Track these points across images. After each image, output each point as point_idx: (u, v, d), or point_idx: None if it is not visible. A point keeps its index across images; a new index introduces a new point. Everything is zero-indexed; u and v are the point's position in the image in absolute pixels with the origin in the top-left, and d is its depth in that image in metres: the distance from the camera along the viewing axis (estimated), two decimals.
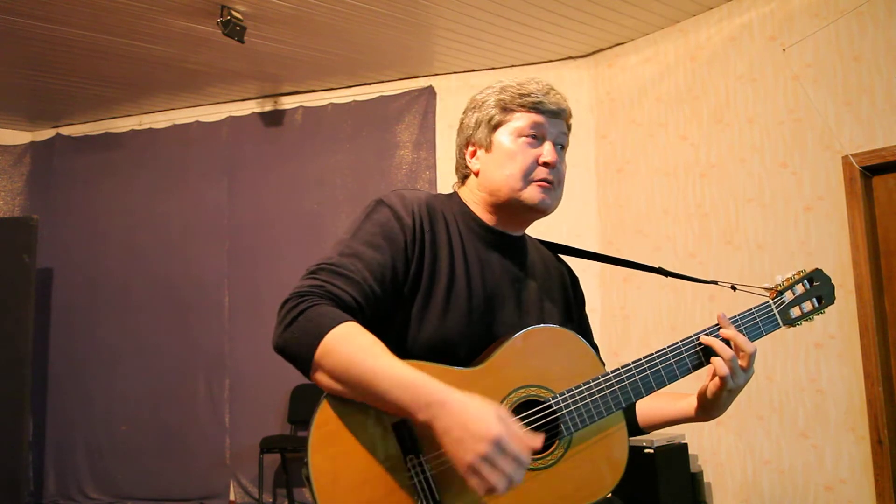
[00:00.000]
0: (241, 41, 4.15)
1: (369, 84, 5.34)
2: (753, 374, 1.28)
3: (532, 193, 1.29)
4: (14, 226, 5.18)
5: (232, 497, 5.14)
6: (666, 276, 1.49)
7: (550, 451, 1.19)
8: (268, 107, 5.50)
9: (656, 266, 1.52)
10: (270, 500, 4.99)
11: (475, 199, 1.36)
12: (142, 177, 5.63)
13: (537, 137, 1.30)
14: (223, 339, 5.31)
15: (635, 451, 3.85)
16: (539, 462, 1.18)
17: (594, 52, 4.93)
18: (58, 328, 5.56)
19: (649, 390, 1.25)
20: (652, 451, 3.80)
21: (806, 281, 1.38)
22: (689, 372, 1.28)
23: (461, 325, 1.23)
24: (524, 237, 1.41)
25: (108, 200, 5.66)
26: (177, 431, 5.25)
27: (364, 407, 1.11)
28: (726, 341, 1.27)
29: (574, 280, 1.50)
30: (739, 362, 1.26)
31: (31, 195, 5.84)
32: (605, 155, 4.86)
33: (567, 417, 1.20)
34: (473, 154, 1.36)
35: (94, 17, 4.17)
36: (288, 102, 5.48)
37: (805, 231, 3.83)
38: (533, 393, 1.21)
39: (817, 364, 3.76)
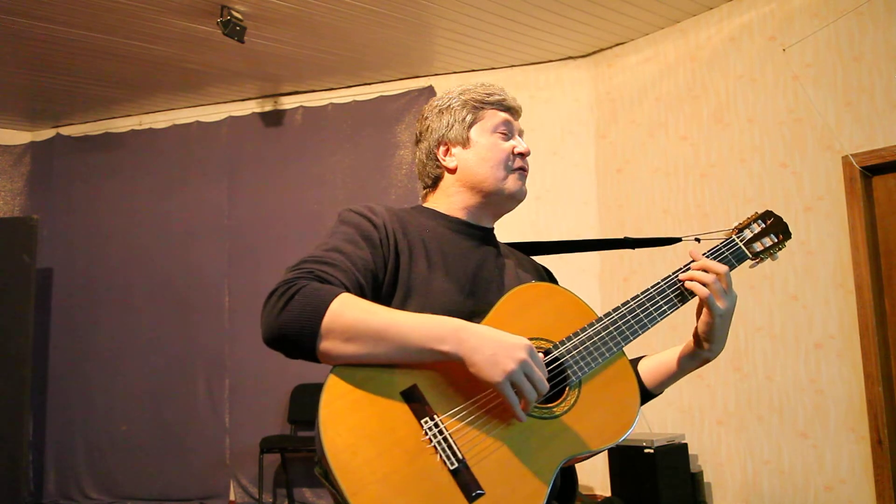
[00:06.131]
0: (241, 41, 4.15)
1: (369, 84, 5.34)
2: (737, 297, 1.33)
3: (513, 183, 1.39)
4: (14, 226, 5.18)
5: (232, 497, 5.14)
6: (633, 247, 1.58)
7: (564, 397, 1.21)
8: (268, 107, 5.50)
9: (621, 237, 1.60)
10: (270, 500, 4.99)
11: (449, 197, 1.41)
12: (142, 177, 5.63)
13: (506, 133, 1.41)
14: (223, 339, 5.31)
15: (635, 451, 3.86)
16: (556, 409, 1.19)
17: (594, 52, 4.93)
18: (58, 328, 5.56)
19: (644, 328, 1.30)
20: (652, 451, 3.81)
21: (760, 220, 1.45)
22: (675, 307, 1.32)
23: (447, 307, 1.25)
24: (493, 230, 1.47)
25: (108, 200, 5.66)
26: (177, 431, 5.25)
27: (371, 378, 1.12)
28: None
29: (552, 276, 1.54)
30: (720, 284, 1.30)
31: (31, 195, 5.84)
32: (605, 155, 4.86)
33: (572, 363, 1.23)
34: (447, 153, 1.42)
35: (94, 17, 4.17)
36: (288, 102, 5.48)
37: (805, 231, 3.83)
38: (534, 345, 1.23)
39: (817, 364, 3.76)
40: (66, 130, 5.88)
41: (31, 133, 5.98)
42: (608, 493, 4.16)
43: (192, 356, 5.32)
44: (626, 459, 3.92)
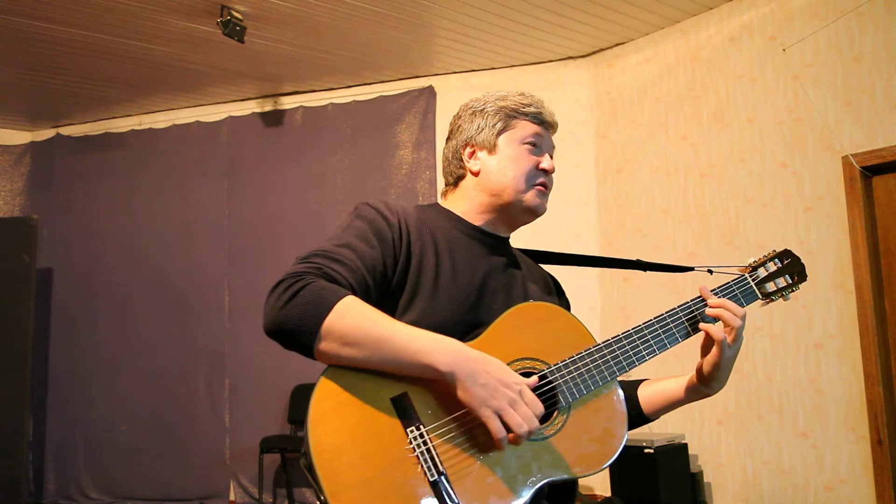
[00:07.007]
0: (241, 41, 4.15)
1: (369, 84, 5.35)
2: (743, 339, 1.32)
3: (532, 197, 1.38)
4: (14, 226, 5.18)
5: (232, 497, 5.15)
6: (644, 269, 1.55)
7: (551, 420, 1.21)
8: (268, 107, 5.50)
9: (633, 259, 1.57)
10: (270, 500, 4.99)
11: (468, 199, 1.41)
12: (142, 177, 5.64)
13: (536, 146, 1.40)
14: (223, 339, 5.31)
15: (635, 451, 3.85)
16: (541, 432, 1.19)
17: (594, 52, 4.93)
18: (58, 328, 5.56)
19: (641, 360, 1.29)
20: (652, 451, 3.81)
21: (777, 259, 1.43)
22: (677, 342, 1.32)
23: (450, 315, 1.25)
24: (509, 239, 1.47)
25: (108, 200, 5.66)
26: (177, 431, 5.25)
27: (363, 382, 1.13)
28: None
29: (559, 287, 1.54)
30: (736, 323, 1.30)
31: (31, 195, 5.84)
32: (605, 155, 4.86)
33: (563, 387, 1.23)
34: (472, 155, 1.41)
35: (94, 17, 4.17)
36: (288, 102, 5.48)
37: (805, 231, 3.83)
38: (528, 365, 1.24)
39: (817, 364, 3.76)
40: (66, 130, 5.88)
41: (31, 133, 5.98)
42: (608, 493, 4.16)
43: (192, 356, 5.32)
44: (626, 459, 3.88)
